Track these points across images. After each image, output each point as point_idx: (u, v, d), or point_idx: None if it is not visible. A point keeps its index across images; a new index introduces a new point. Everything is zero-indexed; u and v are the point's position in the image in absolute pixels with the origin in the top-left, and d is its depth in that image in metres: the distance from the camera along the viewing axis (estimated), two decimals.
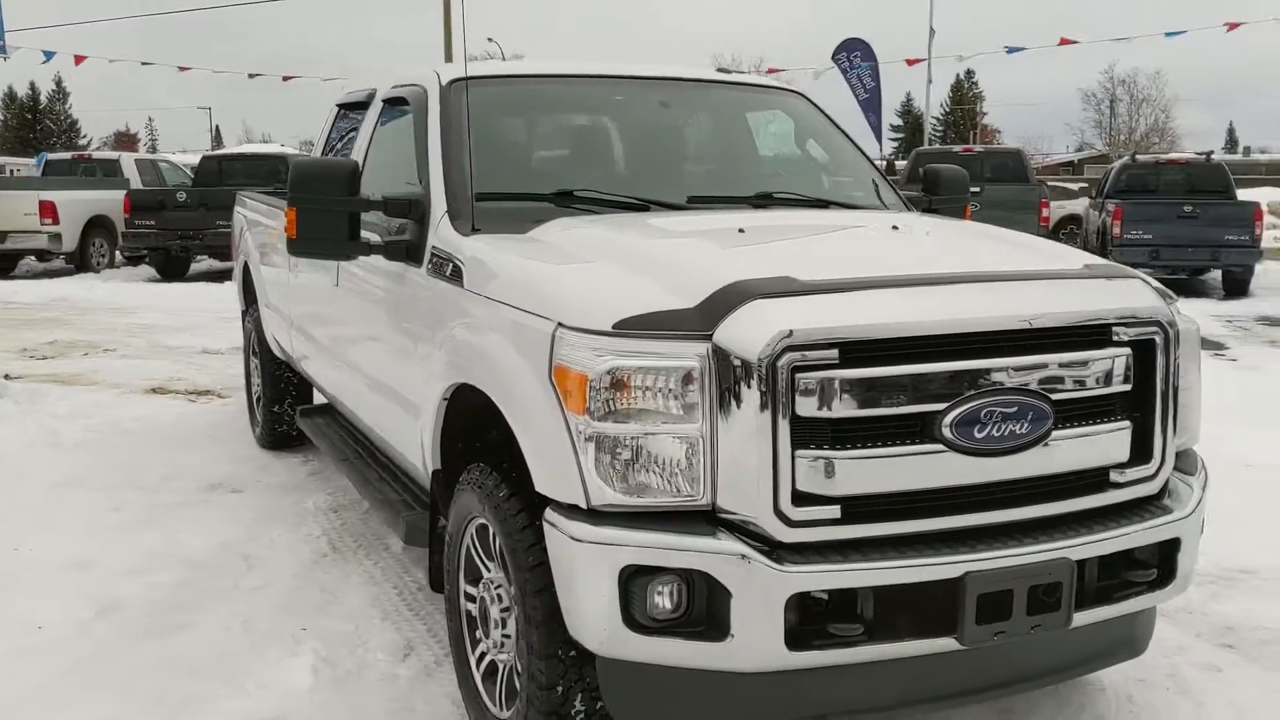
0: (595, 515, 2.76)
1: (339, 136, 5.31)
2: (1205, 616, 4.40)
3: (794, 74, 28.71)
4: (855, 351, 2.70)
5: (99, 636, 4.27)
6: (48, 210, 17.96)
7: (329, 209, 3.76)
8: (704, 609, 2.73)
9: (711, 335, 2.70)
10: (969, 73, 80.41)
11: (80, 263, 18.74)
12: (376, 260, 4.03)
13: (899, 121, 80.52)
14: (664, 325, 2.74)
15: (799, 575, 2.65)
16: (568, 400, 2.79)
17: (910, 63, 28.18)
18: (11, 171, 29.59)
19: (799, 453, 2.68)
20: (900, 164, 29.01)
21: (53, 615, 4.44)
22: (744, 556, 2.65)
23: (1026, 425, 2.85)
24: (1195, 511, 3.14)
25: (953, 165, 4.79)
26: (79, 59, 28.26)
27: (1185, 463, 3.30)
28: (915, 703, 2.96)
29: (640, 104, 4.56)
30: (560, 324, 2.85)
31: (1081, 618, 2.93)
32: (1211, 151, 18.10)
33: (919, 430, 2.78)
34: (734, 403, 2.68)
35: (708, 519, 2.74)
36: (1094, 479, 3.02)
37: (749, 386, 2.66)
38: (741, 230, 3.42)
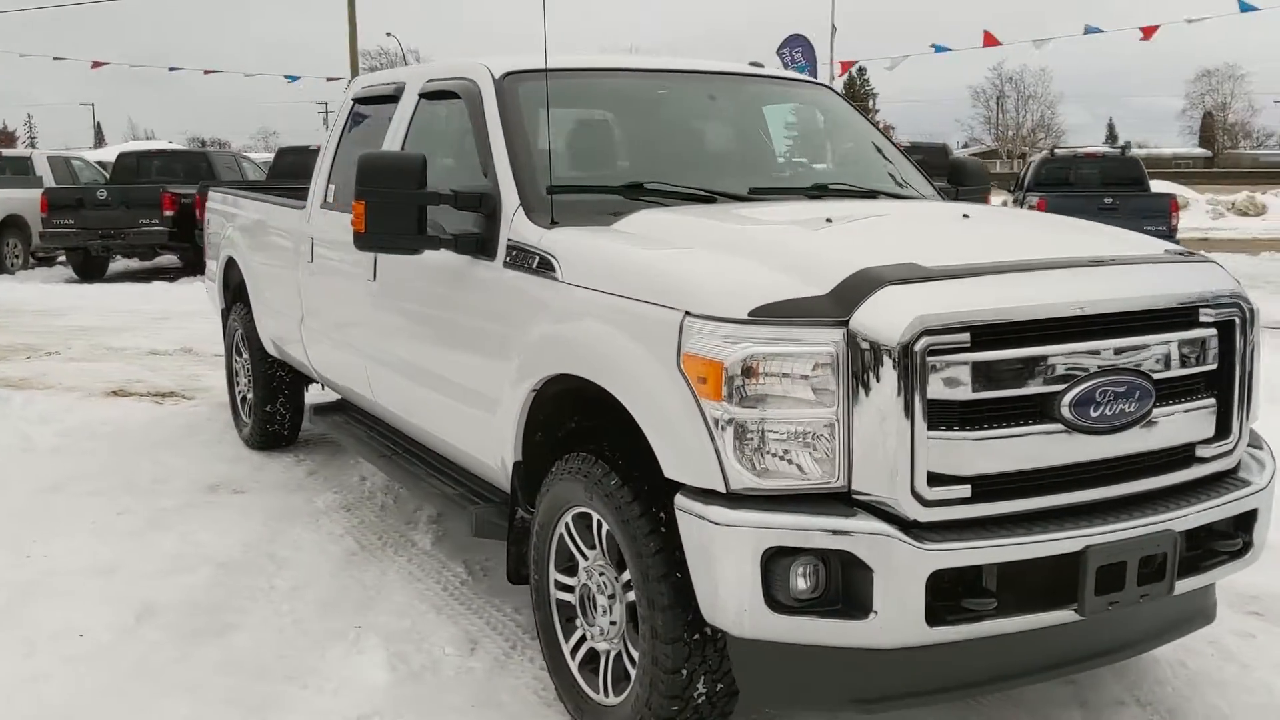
0: (734, 499, 2.81)
1: (360, 130, 5.25)
2: (1229, 588, 4.60)
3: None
4: (985, 335, 2.80)
5: (149, 640, 4.19)
6: None
7: (399, 203, 3.74)
8: (840, 588, 2.80)
9: (846, 322, 2.77)
10: (861, 70, 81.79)
11: None
12: (429, 253, 4.00)
13: None
14: (799, 312, 2.80)
15: (939, 553, 2.74)
16: (701, 387, 2.84)
17: (844, 66, 28.51)
18: None
19: (932, 434, 2.77)
20: None
21: (90, 621, 4.33)
22: (887, 536, 2.73)
23: (1134, 404, 2.98)
24: (1270, 484, 3.31)
25: (975, 158, 4.94)
26: None
27: (1251, 438, 3.47)
28: (1030, 674, 3.08)
29: (689, 97, 4.61)
30: (688, 313, 2.89)
31: (1180, 586, 3.07)
32: (1127, 145, 18.77)
33: (1038, 410, 2.89)
34: (870, 387, 2.75)
35: (843, 500, 2.82)
36: (1183, 454, 3.17)
37: (886, 371, 2.74)
38: (829, 220, 3.49)
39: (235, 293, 7.06)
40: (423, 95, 4.63)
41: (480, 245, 3.84)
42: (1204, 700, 3.69)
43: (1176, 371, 3.09)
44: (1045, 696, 3.67)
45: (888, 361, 2.73)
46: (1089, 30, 21.93)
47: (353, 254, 4.82)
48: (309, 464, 6.63)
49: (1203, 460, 3.21)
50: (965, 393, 2.79)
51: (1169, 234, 16.23)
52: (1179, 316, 3.10)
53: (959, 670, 2.94)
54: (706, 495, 2.85)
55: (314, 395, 6.88)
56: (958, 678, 2.95)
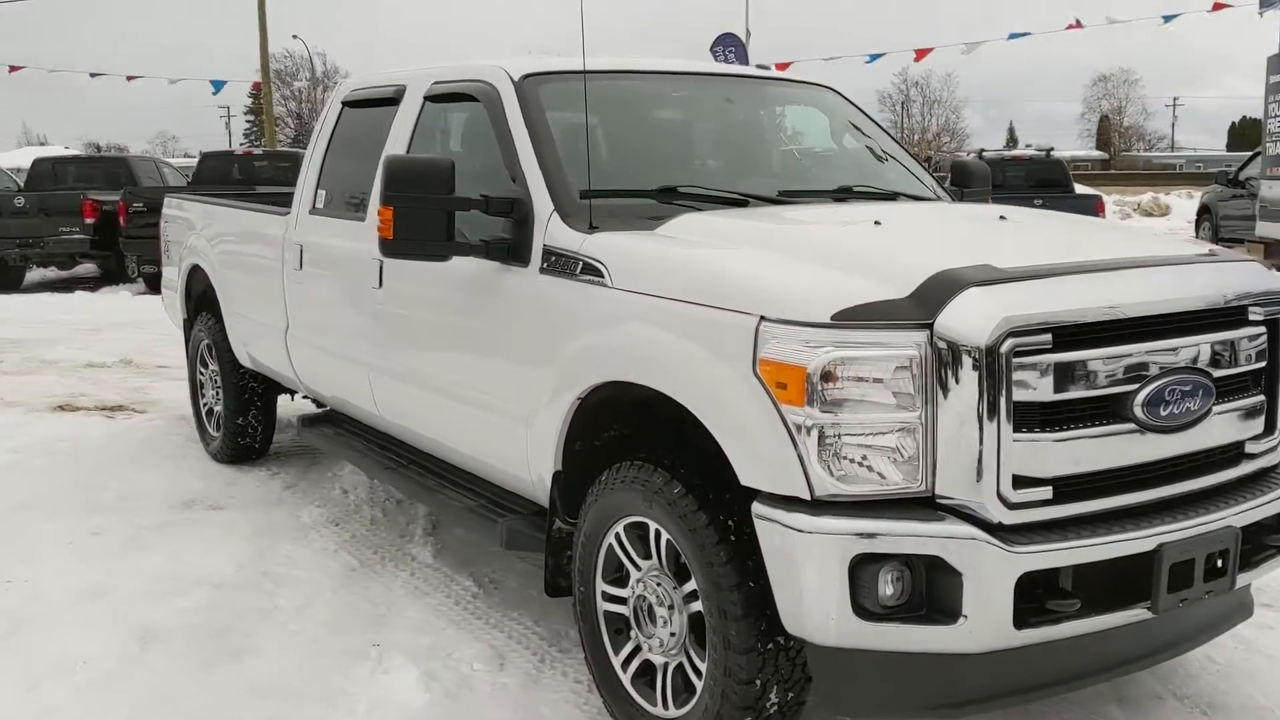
0: (818, 506, 2.77)
1: (353, 135, 5.10)
2: None
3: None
4: (1066, 336, 2.80)
5: (159, 667, 4.01)
6: None
7: (429, 208, 3.64)
8: (926, 593, 2.78)
9: (930, 324, 2.74)
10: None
11: None
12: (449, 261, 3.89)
13: None
14: (881, 315, 2.77)
15: (1027, 555, 2.73)
16: (780, 393, 2.79)
17: (780, 67, 28.74)
18: None
19: (1017, 437, 2.76)
20: None
21: (90, 649, 4.15)
22: (976, 540, 2.71)
23: (1198, 402, 3.01)
24: None
25: (978, 160, 4.98)
26: None
27: None
28: (1100, 672, 3.09)
29: (708, 99, 4.56)
30: (764, 318, 2.84)
31: (1239, 581, 3.11)
32: (1052, 148, 19.15)
33: (1111, 411, 2.90)
34: (954, 389, 2.73)
35: (926, 505, 2.79)
36: (1235, 451, 3.21)
37: (970, 373, 2.72)
38: (878, 222, 3.47)
39: (199, 302, 6.84)
40: (428, 98, 4.51)
41: (512, 251, 3.74)
42: (1240, 692, 3.76)
43: (1233, 369, 3.13)
44: (1086, 692, 3.69)
45: (972, 364, 2.72)
46: (1013, 35, 22.48)
47: (353, 261, 4.69)
48: (284, 477, 6.44)
49: (1252, 456, 3.25)
50: (1047, 394, 2.79)
51: None
52: (1234, 315, 3.14)
53: (1035, 671, 2.94)
54: (788, 502, 2.80)
55: (284, 406, 6.73)
56: (1034, 679, 2.95)
